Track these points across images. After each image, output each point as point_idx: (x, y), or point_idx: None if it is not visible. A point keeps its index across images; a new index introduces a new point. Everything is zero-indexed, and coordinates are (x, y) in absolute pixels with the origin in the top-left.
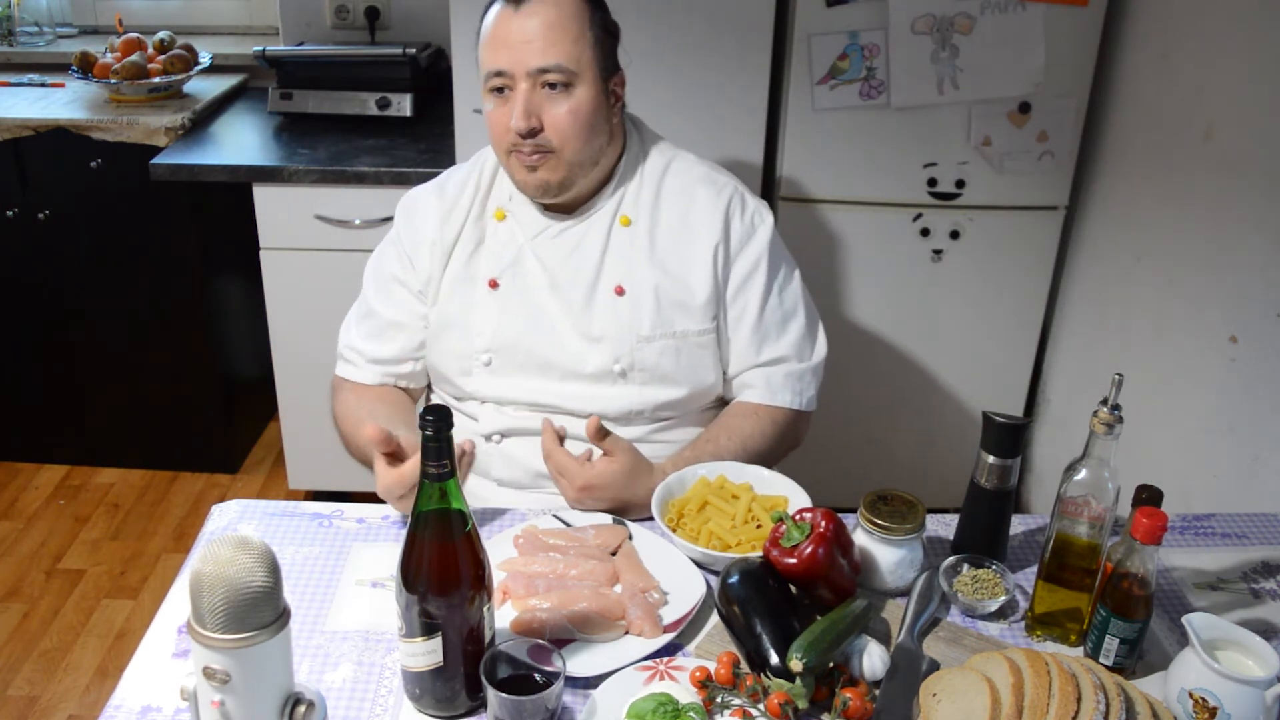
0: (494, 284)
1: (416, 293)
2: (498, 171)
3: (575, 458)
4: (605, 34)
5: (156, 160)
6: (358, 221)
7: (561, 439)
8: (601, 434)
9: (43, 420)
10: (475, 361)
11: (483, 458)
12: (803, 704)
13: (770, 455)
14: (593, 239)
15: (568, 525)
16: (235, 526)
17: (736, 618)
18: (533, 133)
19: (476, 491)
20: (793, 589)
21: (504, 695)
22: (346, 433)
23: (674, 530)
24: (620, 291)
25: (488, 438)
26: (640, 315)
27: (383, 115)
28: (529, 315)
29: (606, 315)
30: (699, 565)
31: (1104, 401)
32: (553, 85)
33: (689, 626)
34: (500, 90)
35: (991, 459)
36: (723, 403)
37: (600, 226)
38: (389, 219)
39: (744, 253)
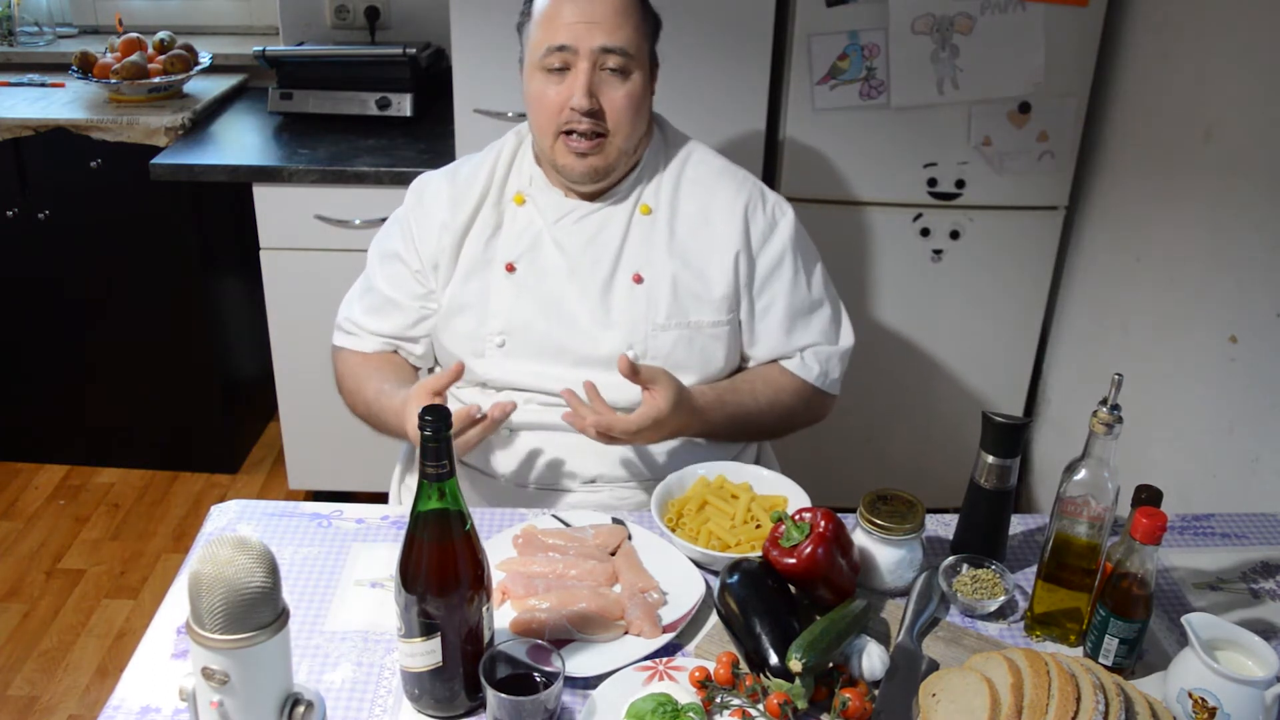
0: (511, 268)
1: (414, 272)
2: (515, 156)
3: (623, 416)
4: (654, 27)
5: (156, 160)
6: (358, 221)
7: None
8: (634, 369)
9: (43, 420)
10: (489, 343)
11: (490, 452)
12: (802, 704)
13: (795, 416)
14: (613, 226)
15: (567, 525)
16: (234, 527)
17: (736, 618)
18: (593, 113)
19: (481, 487)
20: (792, 589)
21: (503, 695)
22: (350, 390)
23: (673, 530)
24: (638, 279)
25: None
26: (657, 304)
27: (383, 115)
28: (545, 299)
29: (623, 302)
30: (698, 565)
31: (1104, 401)
32: (612, 69)
33: (688, 627)
34: (558, 69)
35: (991, 459)
36: None
37: (621, 214)
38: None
39: (767, 249)
